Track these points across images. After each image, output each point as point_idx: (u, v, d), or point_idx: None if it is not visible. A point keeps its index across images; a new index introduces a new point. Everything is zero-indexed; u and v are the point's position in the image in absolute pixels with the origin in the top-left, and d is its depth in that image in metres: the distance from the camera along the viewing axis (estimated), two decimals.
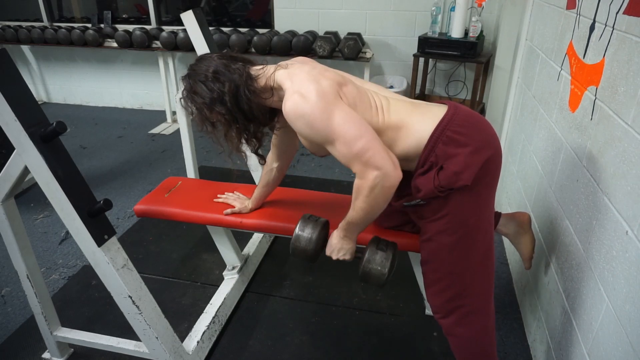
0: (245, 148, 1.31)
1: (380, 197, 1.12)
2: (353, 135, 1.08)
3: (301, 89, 1.11)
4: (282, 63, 1.26)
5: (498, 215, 1.64)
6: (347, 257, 1.32)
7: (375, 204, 1.14)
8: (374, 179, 1.08)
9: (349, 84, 1.19)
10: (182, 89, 1.26)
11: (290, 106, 1.11)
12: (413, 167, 1.22)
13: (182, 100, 1.26)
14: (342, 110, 1.10)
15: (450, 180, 1.13)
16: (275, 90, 1.22)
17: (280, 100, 1.19)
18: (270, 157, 1.59)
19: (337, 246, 1.31)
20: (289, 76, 1.18)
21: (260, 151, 1.34)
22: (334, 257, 1.33)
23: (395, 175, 1.09)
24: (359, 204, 1.16)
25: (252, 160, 2.16)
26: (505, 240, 2.36)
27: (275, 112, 1.30)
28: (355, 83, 1.24)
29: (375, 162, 1.07)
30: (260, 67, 1.26)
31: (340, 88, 1.15)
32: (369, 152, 1.07)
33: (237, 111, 1.20)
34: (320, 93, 1.10)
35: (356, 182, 1.14)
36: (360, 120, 1.11)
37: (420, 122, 1.18)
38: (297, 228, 1.35)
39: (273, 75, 1.21)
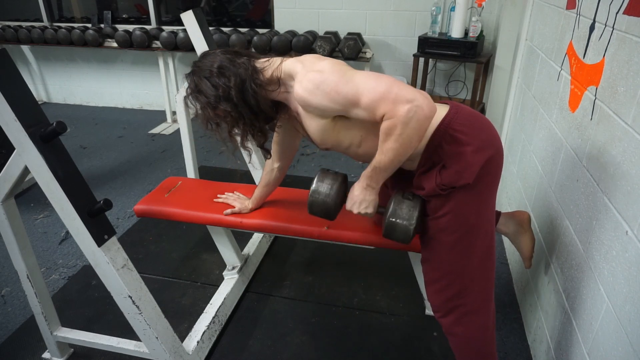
0: (250, 144, 1.30)
1: (414, 132, 1.05)
2: (376, 83, 1.06)
3: (315, 66, 1.12)
4: (288, 56, 1.25)
5: (498, 214, 1.65)
6: (370, 210, 1.23)
7: (408, 141, 1.07)
8: (406, 112, 1.02)
9: None
10: (187, 87, 1.24)
11: (307, 83, 1.10)
12: (415, 166, 1.23)
13: (187, 98, 1.25)
14: (360, 72, 1.13)
15: (453, 179, 1.13)
16: (283, 81, 1.20)
17: (287, 91, 1.19)
18: (271, 157, 1.59)
19: (360, 197, 1.22)
20: (298, 61, 1.18)
21: (265, 145, 1.34)
22: (355, 211, 1.23)
23: (428, 106, 1.03)
24: (389, 145, 1.08)
25: (254, 159, 2.17)
26: (506, 240, 2.35)
27: (279, 106, 1.29)
28: None
29: (404, 96, 1.03)
30: (266, 59, 1.24)
31: None
32: (394, 89, 1.04)
33: (244, 106, 1.18)
34: (336, 62, 1.13)
35: (385, 123, 1.06)
36: (382, 75, 1.10)
37: None
38: (314, 181, 1.26)
39: (280, 66, 1.20)
